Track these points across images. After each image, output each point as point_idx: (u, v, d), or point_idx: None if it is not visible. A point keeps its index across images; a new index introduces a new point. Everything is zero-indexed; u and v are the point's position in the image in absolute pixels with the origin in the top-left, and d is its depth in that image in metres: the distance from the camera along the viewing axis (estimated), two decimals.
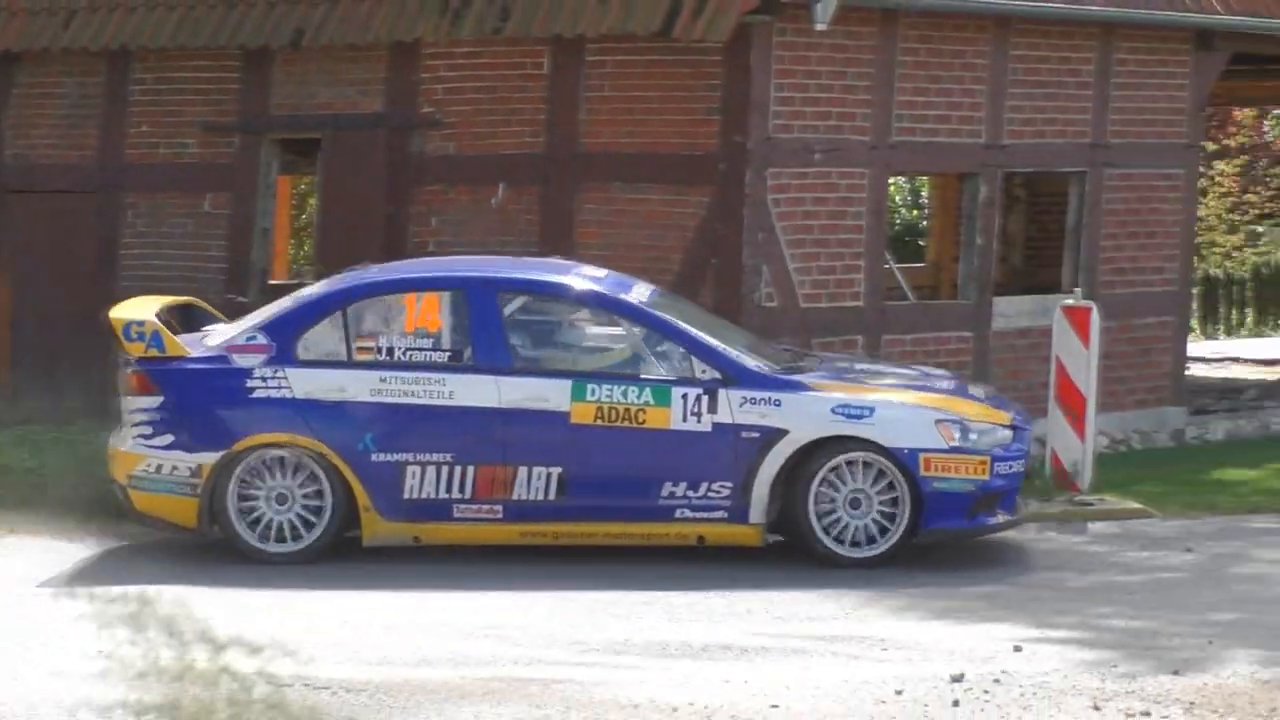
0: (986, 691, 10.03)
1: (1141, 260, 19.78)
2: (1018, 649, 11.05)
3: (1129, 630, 11.83)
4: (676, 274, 16.97)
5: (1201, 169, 27.26)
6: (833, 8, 16.76)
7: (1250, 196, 36.92)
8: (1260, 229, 37.13)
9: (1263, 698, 10.05)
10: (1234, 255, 34.64)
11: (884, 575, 13.30)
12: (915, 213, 33.40)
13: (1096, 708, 9.77)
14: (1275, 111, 38.68)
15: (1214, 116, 32.91)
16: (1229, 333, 31.35)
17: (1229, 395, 22.46)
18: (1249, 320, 32.07)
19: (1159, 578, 13.70)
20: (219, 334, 14.52)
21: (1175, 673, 10.53)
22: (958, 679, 10.23)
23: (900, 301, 19.16)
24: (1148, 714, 9.66)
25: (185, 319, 14.97)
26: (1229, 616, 12.24)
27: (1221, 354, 27.26)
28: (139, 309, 14.53)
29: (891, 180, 20.26)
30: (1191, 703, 9.91)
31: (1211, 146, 33.81)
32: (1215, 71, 20.47)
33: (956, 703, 9.79)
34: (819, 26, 16.82)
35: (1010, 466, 14.18)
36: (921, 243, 27.59)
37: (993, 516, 14.15)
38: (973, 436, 14.04)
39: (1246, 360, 26.51)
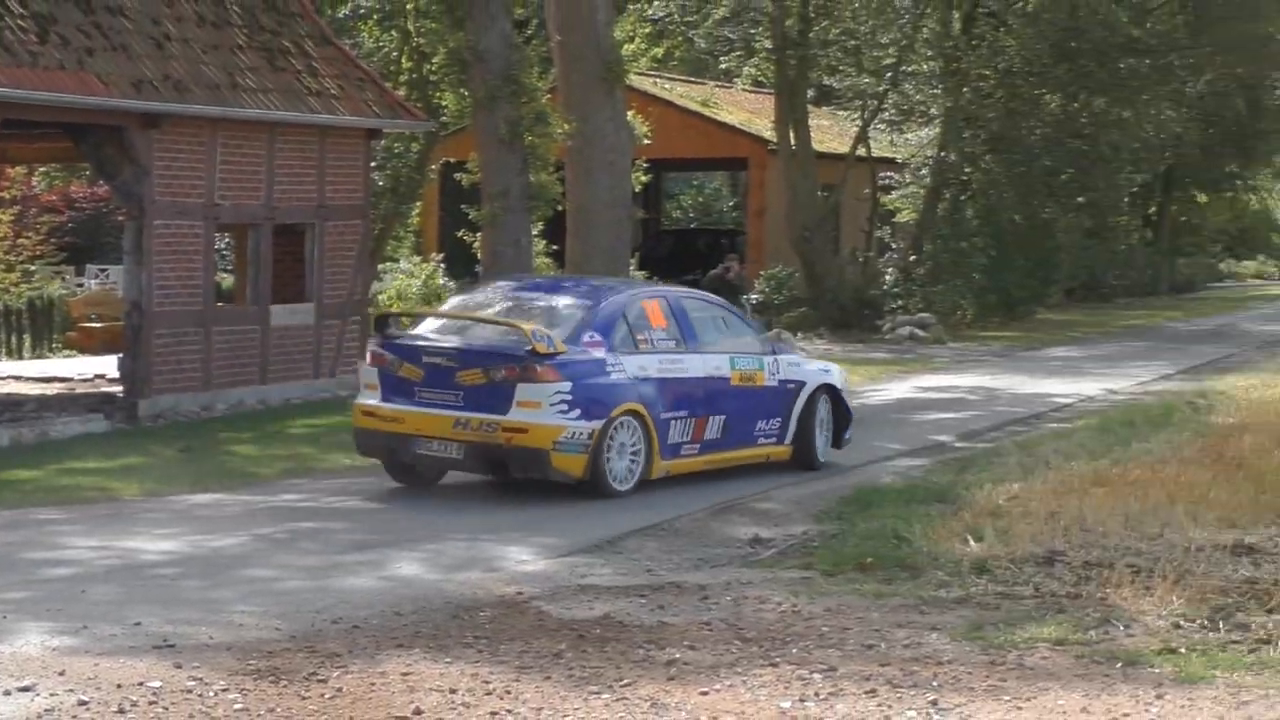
0: None
1: None
2: None
3: None
4: None
5: None
6: None
7: (23, 240, 36.81)
8: (33, 268, 37.05)
9: (53, 662, 10.10)
10: (11, 290, 34.34)
11: None
12: None
13: None
14: (42, 169, 38.67)
15: None
16: (10, 355, 31.04)
17: (11, 408, 22.27)
18: (27, 345, 31.87)
19: None
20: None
21: None
22: None
23: None
24: None
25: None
26: (21, 594, 12.18)
27: (4, 374, 27.04)
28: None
29: None
30: None
31: None
32: None
33: None
34: None
35: None
36: None
37: None
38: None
39: (27, 379, 26.39)
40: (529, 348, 16.35)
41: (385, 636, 11.07)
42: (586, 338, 16.78)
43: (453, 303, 18.90)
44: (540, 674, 10.15)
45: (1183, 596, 11.76)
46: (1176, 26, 46.71)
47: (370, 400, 17.02)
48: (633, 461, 16.88)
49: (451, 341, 16.92)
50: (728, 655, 10.64)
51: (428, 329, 17.69)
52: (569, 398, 16.33)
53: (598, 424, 16.42)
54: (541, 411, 16.23)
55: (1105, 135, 44.60)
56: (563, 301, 17.41)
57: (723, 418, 17.78)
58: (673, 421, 17.23)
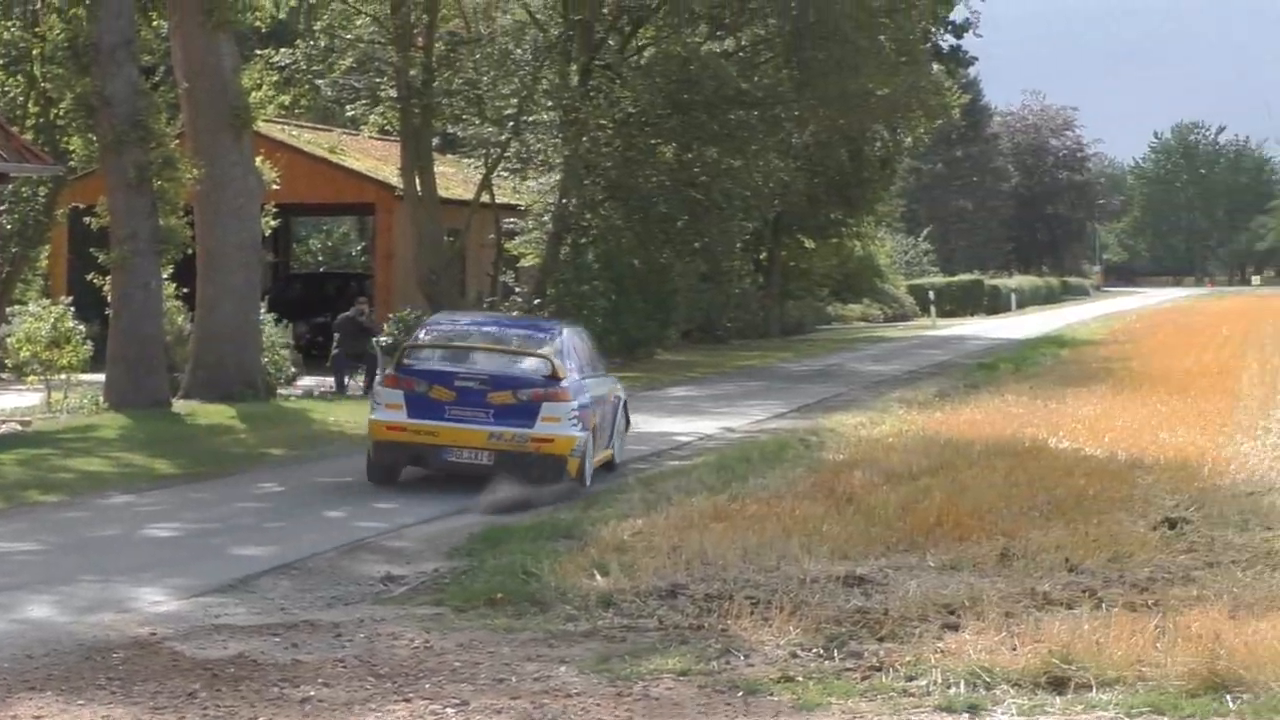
0: None
1: None
2: None
3: None
4: None
5: None
6: None
7: None
8: None
9: None
10: None
11: None
12: None
13: None
14: None
15: None
16: None
17: None
18: None
19: None
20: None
21: None
22: None
23: None
24: None
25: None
26: None
27: None
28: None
29: None
30: None
31: None
32: None
33: None
34: None
35: None
36: None
37: None
38: None
39: None
40: (548, 373, 19.61)
41: (16, 679, 10.72)
42: (571, 366, 20.19)
43: (430, 336, 21.04)
44: (174, 714, 9.95)
45: (799, 626, 12.00)
46: (783, 80, 47.77)
47: (395, 417, 19.52)
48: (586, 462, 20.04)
49: (479, 368, 19.91)
50: (362, 691, 10.55)
51: (429, 357, 20.28)
52: (578, 413, 19.67)
53: (587, 433, 19.89)
54: (562, 425, 19.43)
55: (718, 184, 45.47)
56: (535, 336, 20.86)
57: (610, 424, 21.53)
58: (594, 431, 20.42)
